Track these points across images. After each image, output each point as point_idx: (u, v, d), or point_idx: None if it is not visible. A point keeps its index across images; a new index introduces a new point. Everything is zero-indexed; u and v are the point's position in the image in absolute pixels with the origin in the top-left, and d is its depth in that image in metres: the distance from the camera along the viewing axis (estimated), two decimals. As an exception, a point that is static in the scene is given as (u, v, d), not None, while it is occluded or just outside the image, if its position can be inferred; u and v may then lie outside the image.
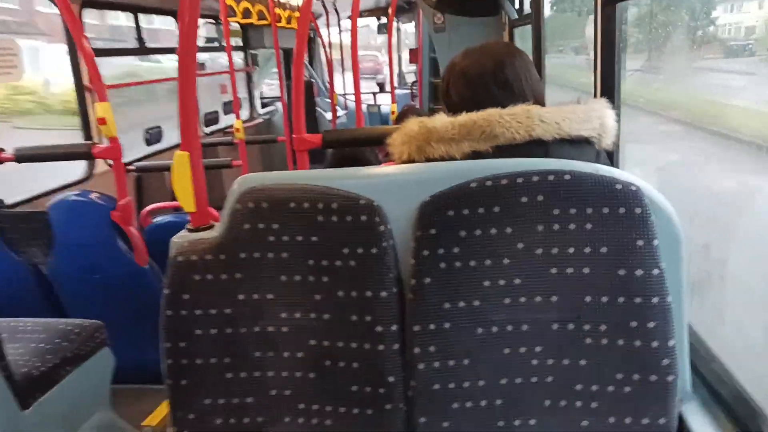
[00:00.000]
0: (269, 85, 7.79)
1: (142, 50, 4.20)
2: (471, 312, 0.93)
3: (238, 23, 5.25)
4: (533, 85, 1.18)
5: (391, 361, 0.96)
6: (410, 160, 1.10)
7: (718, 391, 1.01)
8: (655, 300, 0.89)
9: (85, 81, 3.29)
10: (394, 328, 0.96)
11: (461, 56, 1.21)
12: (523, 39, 3.62)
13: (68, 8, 2.10)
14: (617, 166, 1.63)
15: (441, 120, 1.08)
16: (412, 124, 1.10)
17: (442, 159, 1.06)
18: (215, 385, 1.03)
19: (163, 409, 2.19)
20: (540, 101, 1.18)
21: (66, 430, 1.71)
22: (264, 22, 4.99)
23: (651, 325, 0.89)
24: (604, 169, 0.93)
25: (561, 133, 1.05)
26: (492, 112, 1.05)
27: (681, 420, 0.95)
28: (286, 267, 0.99)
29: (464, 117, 1.06)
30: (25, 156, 2.28)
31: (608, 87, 1.72)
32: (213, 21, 5.44)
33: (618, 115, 1.16)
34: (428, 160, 1.08)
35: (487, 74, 1.16)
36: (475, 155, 1.05)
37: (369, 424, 0.99)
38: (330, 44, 6.46)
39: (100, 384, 1.87)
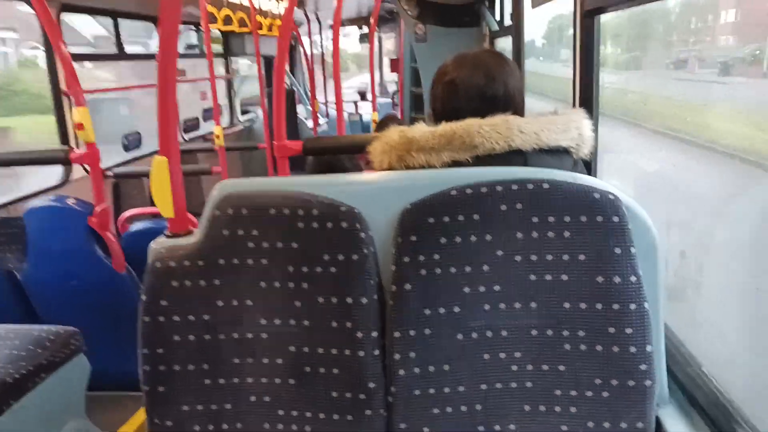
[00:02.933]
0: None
1: (122, 56, 4.15)
2: (451, 318, 0.94)
3: (219, 30, 5.23)
4: (517, 97, 1.20)
5: (371, 367, 0.96)
6: (390, 169, 1.10)
7: (694, 395, 1.03)
8: (632, 306, 0.91)
9: (63, 86, 3.24)
10: (374, 334, 0.96)
11: (453, 65, 1.20)
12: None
13: (46, 12, 2.07)
14: (594, 175, 1.66)
15: (421, 130, 1.08)
16: (393, 133, 1.10)
17: (422, 168, 1.07)
18: (193, 391, 1.02)
19: (139, 417, 2.15)
20: (520, 111, 1.19)
21: None
22: (245, 29, 4.98)
23: (629, 331, 0.91)
24: (582, 178, 0.95)
25: (540, 143, 1.06)
26: (471, 123, 1.06)
27: (658, 424, 0.97)
28: (266, 273, 0.98)
29: (444, 127, 1.06)
30: (0, 161, 2.24)
31: (587, 97, 1.75)
32: (194, 28, 5.41)
33: (595, 125, 1.18)
34: (408, 168, 1.08)
35: (475, 89, 1.15)
36: (455, 165, 1.06)
37: (349, 430, 0.98)
38: (312, 53, 6.47)
39: (75, 391, 1.83)
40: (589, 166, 1.32)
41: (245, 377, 1.01)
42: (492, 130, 1.04)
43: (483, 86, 1.15)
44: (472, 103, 1.14)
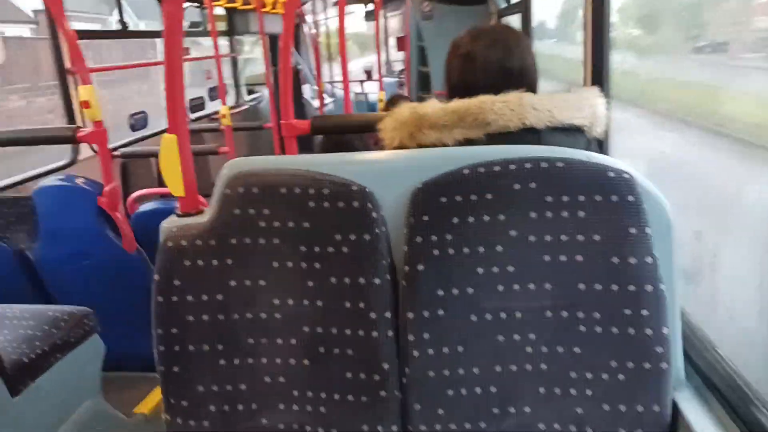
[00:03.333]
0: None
1: (126, 33, 4.11)
2: (464, 299, 0.94)
3: (223, 8, 5.17)
4: (531, 73, 1.18)
5: (385, 348, 0.97)
6: (401, 147, 1.09)
7: (711, 378, 1.02)
8: (648, 288, 0.90)
9: (67, 64, 3.22)
10: (387, 315, 0.96)
11: (469, 39, 1.18)
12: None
13: None
14: (608, 155, 1.64)
15: (433, 106, 1.07)
16: (404, 109, 1.09)
17: (434, 146, 1.06)
18: (208, 372, 1.03)
19: (154, 396, 2.18)
20: (534, 88, 1.18)
21: (56, 416, 1.69)
22: (249, 6, 4.92)
23: (644, 312, 0.90)
24: (596, 157, 0.94)
25: (553, 121, 1.05)
26: (485, 99, 1.04)
27: (675, 407, 0.96)
28: (278, 253, 0.98)
29: (457, 103, 1.05)
30: (6, 140, 2.23)
31: (598, 77, 1.73)
32: (198, 5, 5.35)
33: (608, 104, 1.17)
34: (420, 146, 1.07)
35: (493, 62, 1.14)
36: (468, 142, 1.05)
37: (363, 411, 0.99)
38: (317, 31, 6.39)
39: (91, 371, 1.85)
40: (602, 145, 1.31)
41: (260, 358, 1.02)
42: (505, 106, 1.03)
43: (501, 59, 1.14)
44: (490, 77, 1.13)
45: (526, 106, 1.03)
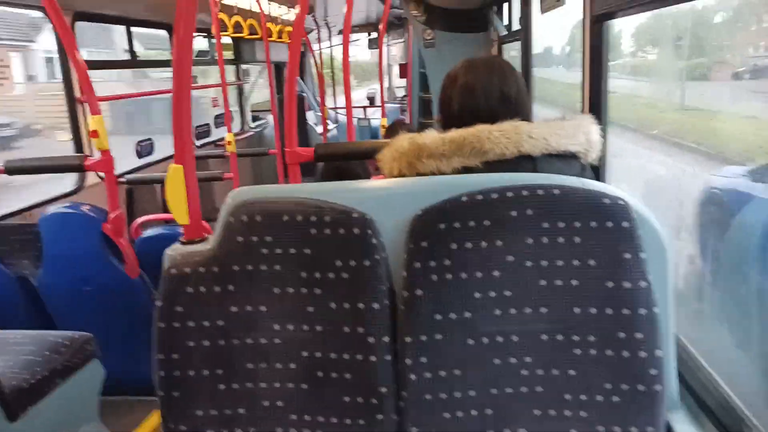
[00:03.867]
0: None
1: (136, 63, 4.20)
2: (462, 323, 0.95)
3: (230, 37, 5.28)
4: (526, 101, 1.21)
5: (383, 372, 0.97)
6: (401, 176, 1.11)
7: (705, 400, 1.02)
8: (642, 311, 0.91)
9: (77, 93, 3.29)
10: (386, 339, 0.97)
11: (463, 70, 1.22)
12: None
13: (61, 20, 2.11)
14: (603, 180, 1.66)
15: (431, 136, 1.10)
16: (402, 140, 1.12)
17: (432, 174, 1.08)
18: (207, 396, 1.03)
19: (152, 421, 2.17)
20: (529, 116, 1.20)
21: None
22: (255, 36, 5.03)
23: (639, 336, 0.91)
24: (591, 184, 0.95)
25: (549, 149, 1.07)
26: (482, 129, 1.07)
27: (669, 429, 0.97)
28: (279, 279, 1.00)
29: (454, 133, 1.08)
30: (15, 168, 2.27)
31: (596, 103, 1.76)
32: (204, 35, 5.47)
33: (604, 130, 1.19)
34: (418, 175, 1.09)
35: (493, 90, 1.18)
36: (465, 171, 1.07)
37: None
38: (321, 59, 6.50)
39: (90, 396, 1.85)
40: (596, 172, 1.33)
41: (259, 382, 1.02)
42: (501, 135, 1.05)
43: (500, 86, 1.18)
44: (491, 104, 1.17)
45: (522, 134, 1.05)
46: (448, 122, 1.21)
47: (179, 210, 1.10)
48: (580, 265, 0.92)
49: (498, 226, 0.94)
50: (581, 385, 0.94)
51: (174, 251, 1.07)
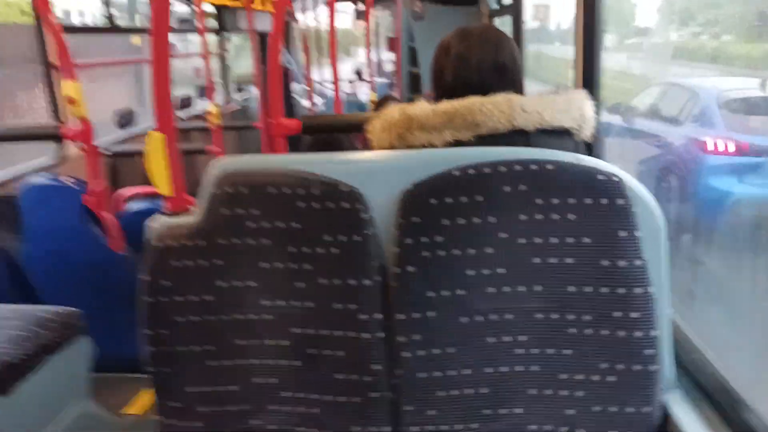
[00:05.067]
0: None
1: (113, 29, 4.07)
2: (455, 301, 0.93)
3: (213, 5, 5.13)
4: (520, 72, 1.18)
5: (376, 349, 0.96)
6: (390, 148, 1.09)
7: (701, 380, 1.03)
8: (638, 290, 0.90)
9: (52, 58, 3.18)
10: (378, 316, 0.96)
11: (457, 39, 1.18)
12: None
13: None
14: (599, 158, 1.65)
15: (422, 107, 1.07)
16: (393, 111, 1.09)
17: (423, 147, 1.06)
18: (198, 373, 1.02)
19: (143, 398, 2.16)
20: (520, 88, 1.18)
21: (45, 417, 1.68)
22: (238, 4, 4.90)
23: (634, 315, 0.91)
24: (586, 160, 0.94)
25: (543, 123, 1.05)
26: (474, 101, 1.04)
27: (665, 409, 0.97)
28: (267, 254, 0.98)
29: (446, 105, 1.05)
30: None
31: (589, 79, 1.74)
32: (187, 1, 5.31)
33: (598, 107, 1.17)
34: (409, 147, 1.07)
35: (487, 60, 1.14)
36: (457, 144, 1.05)
37: (354, 412, 0.99)
38: (307, 29, 6.37)
39: (79, 372, 1.83)
40: (590, 149, 1.31)
41: (250, 359, 1.01)
42: (494, 108, 1.03)
43: (494, 56, 1.14)
44: (485, 74, 1.13)
45: (515, 107, 1.03)
46: (440, 93, 1.18)
47: (161, 180, 1.07)
48: (575, 242, 0.91)
49: (491, 201, 0.92)
50: (577, 364, 0.94)
51: (157, 223, 1.04)
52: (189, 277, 0.99)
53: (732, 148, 2.44)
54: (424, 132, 1.05)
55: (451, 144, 1.05)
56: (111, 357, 2.11)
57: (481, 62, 1.14)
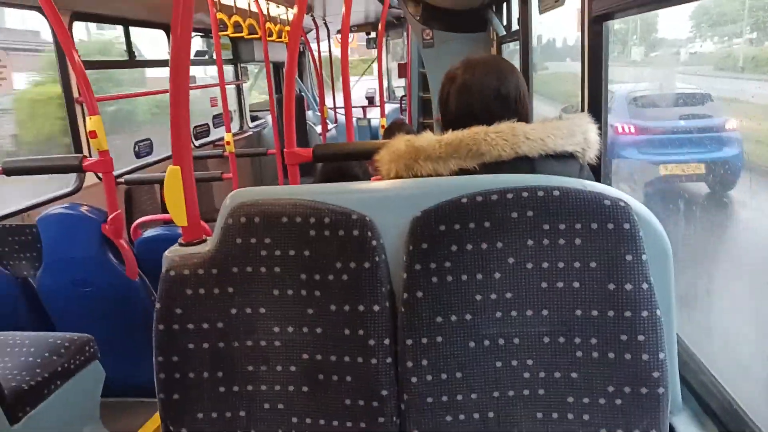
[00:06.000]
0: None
1: (134, 63, 4.19)
2: (463, 326, 0.94)
3: (229, 36, 5.27)
4: (525, 100, 1.21)
5: (383, 374, 0.97)
6: (398, 177, 1.11)
7: (708, 402, 1.02)
8: (644, 314, 0.91)
9: (75, 94, 3.28)
10: (386, 341, 0.97)
11: (462, 69, 1.21)
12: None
13: (58, 20, 2.10)
14: (603, 180, 1.66)
15: (427, 138, 1.09)
16: (399, 142, 1.11)
17: (430, 176, 1.07)
18: (208, 398, 1.03)
19: (152, 423, 2.17)
20: (527, 116, 1.20)
21: None
22: (254, 36, 5.02)
23: (641, 338, 0.91)
24: (592, 185, 0.95)
25: (546, 150, 1.06)
26: (478, 131, 1.06)
27: (672, 431, 0.96)
28: (279, 281, 0.99)
29: (450, 135, 1.07)
30: (13, 169, 2.27)
31: (596, 102, 1.75)
32: (203, 34, 5.46)
33: (604, 130, 1.19)
34: (415, 177, 1.09)
35: (490, 89, 1.17)
36: (462, 173, 1.06)
37: None
38: (320, 59, 6.49)
39: (90, 398, 1.85)
40: (597, 172, 1.33)
41: (259, 385, 1.02)
42: (498, 137, 1.05)
43: (497, 87, 1.17)
44: (487, 104, 1.16)
45: (519, 135, 1.05)
46: (446, 122, 1.20)
47: (177, 211, 1.10)
48: (582, 266, 0.92)
49: (498, 227, 0.93)
50: (584, 387, 0.94)
51: (173, 253, 1.06)
52: (201, 304, 1.01)
53: (633, 129, 3.68)
54: (430, 162, 1.07)
55: (456, 173, 1.07)
56: (123, 382, 2.13)
57: (484, 91, 1.17)
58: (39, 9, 2.93)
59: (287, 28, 5.60)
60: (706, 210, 2.62)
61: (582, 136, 1.10)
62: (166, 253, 1.07)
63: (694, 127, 3.31)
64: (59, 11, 2.10)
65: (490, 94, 1.17)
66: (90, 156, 2.35)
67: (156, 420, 2.16)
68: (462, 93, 1.19)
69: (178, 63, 1.08)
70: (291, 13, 5.71)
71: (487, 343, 0.95)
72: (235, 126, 5.96)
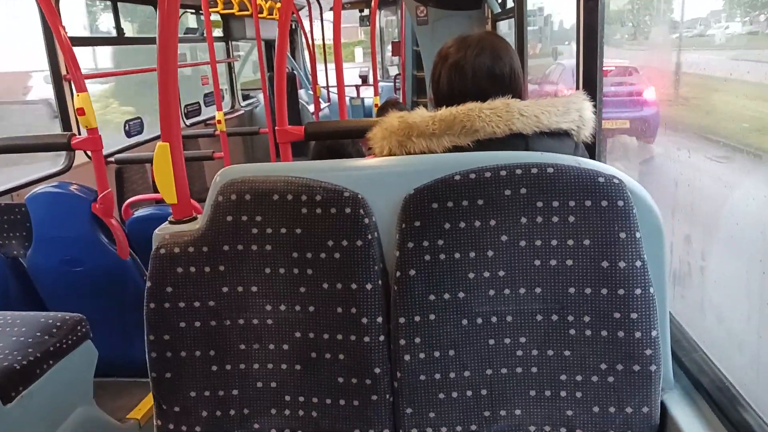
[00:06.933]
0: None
1: (122, 40, 4.12)
2: (456, 304, 0.94)
3: (219, 14, 5.18)
4: (520, 78, 1.19)
5: (376, 352, 0.97)
6: (391, 155, 1.10)
7: (700, 380, 1.03)
8: (637, 291, 0.91)
9: (63, 71, 3.23)
10: (379, 320, 0.97)
11: (455, 47, 1.19)
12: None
13: None
14: (598, 158, 1.65)
15: (421, 115, 1.08)
16: (392, 119, 1.10)
17: (423, 153, 1.06)
18: (200, 377, 1.03)
19: (146, 402, 2.18)
20: (522, 93, 1.19)
21: (49, 424, 1.69)
22: (245, 12, 4.94)
23: (634, 316, 0.91)
24: (586, 163, 0.94)
25: (540, 127, 1.05)
26: (472, 107, 1.05)
27: (664, 408, 0.97)
28: (270, 259, 0.99)
29: (444, 112, 1.06)
30: (0, 147, 2.23)
31: (590, 79, 1.74)
32: (193, 11, 5.36)
33: (598, 108, 1.17)
34: (408, 154, 1.08)
35: (483, 69, 1.15)
36: (456, 150, 1.05)
37: (355, 415, 0.99)
38: (312, 36, 6.41)
39: (83, 378, 1.85)
40: (591, 150, 1.32)
41: (252, 363, 1.02)
42: (492, 113, 1.04)
43: (491, 66, 1.15)
44: (480, 83, 1.14)
45: (513, 112, 1.04)
46: (438, 100, 1.19)
47: (167, 189, 1.09)
48: (575, 244, 0.92)
49: (491, 205, 0.93)
50: (576, 365, 0.94)
51: (163, 231, 1.05)
52: (192, 283, 1.01)
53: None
54: (423, 139, 1.06)
55: (450, 150, 1.06)
56: (116, 362, 2.13)
57: (477, 71, 1.15)
58: None
59: (279, 4, 5.51)
60: (635, 154, 3.69)
61: (577, 113, 1.09)
62: (156, 231, 1.06)
63: (622, 92, 4.17)
64: None
65: (483, 73, 1.15)
66: (79, 134, 2.32)
67: (149, 400, 2.17)
68: (454, 72, 1.16)
69: (166, 39, 1.06)
70: (283, -11, 5.61)
71: (479, 321, 0.95)
72: (226, 105, 5.90)
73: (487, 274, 0.94)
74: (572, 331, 0.94)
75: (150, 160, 3.08)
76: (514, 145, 1.03)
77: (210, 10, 3.86)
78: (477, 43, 1.17)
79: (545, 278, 0.93)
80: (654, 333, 0.92)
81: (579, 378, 0.94)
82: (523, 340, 0.95)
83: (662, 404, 0.97)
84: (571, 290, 0.93)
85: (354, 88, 7.81)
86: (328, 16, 7.53)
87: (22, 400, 1.57)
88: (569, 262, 0.92)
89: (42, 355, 1.67)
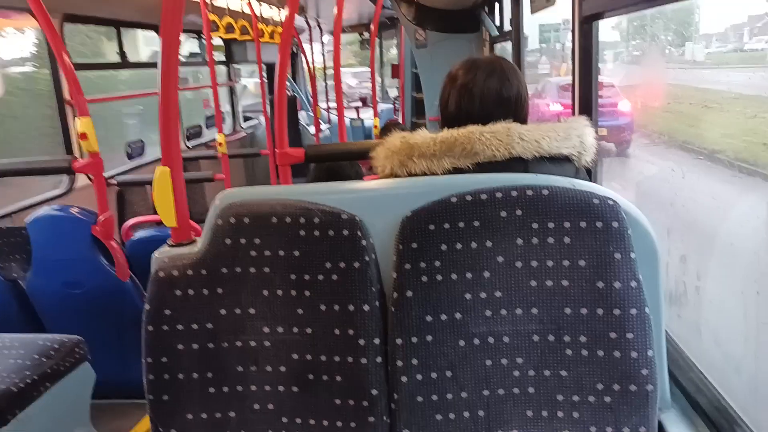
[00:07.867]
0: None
1: (124, 64, 4.17)
2: (453, 325, 0.94)
3: (221, 38, 5.26)
4: (525, 102, 1.20)
5: (374, 374, 0.97)
6: (392, 174, 1.11)
7: (697, 399, 1.02)
8: (633, 311, 0.91)
9: (66, 95, 3.27)
10: (376, 341, 0.97)
11: (464, 70, 1.20)
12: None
13: (49, 22, 2.09)
14: (596, 182, 1.66)
15: (423, 136, 1.09)
16: (395, 139, 1.11)
17: (423, 174, 1.07)
18: (197, 399, 1.02)
19: (143, 425, 2.16)
20: (525, 119, 1.20)
21: None
22: (247, 37, 5.01)
23: (630, 336, 0.91)
24: (581, 184, 0.95)
25: (541, 151, 1.06)
26: (473, 130, 1.06)
27: (661, 429, 0.97)
28: (268, 281, 0.99)
29: (446, 134, 1.07)
30: (2, 171, 2.25)
31: (587, 102, 1.76)
32: (196, 36, 5.44)
33: (595, 130, 1.18)
34: (410, 174, 1.09)
35: (491, 92, 1.16)
36: (456, 171, 1.06)
37: None
38: (313, 59, 6.49)
39: (80, 400, 1.83)
40: (591, 174, 1.32)
41: (249, 385, 1.02)
42: (493, 137, 1.05)
43: (499, 89, 1.16)
44: (488, 106, 1.15)
45: (514, 136, 1.05)
46: (445, 121, 1.20)
47: (166, 212, 1.09)
48: (570, 265, 0.92)
49: (488, 226, 0.93)
50: (573, 385, 0.94)
51: (161, 254, 1.06)
52: (191, 305, 1.01)
53: (560, 107, 6.16)
54: (424, 160, 1.07)
55: (450, 171, 1.07)
56: (113, 383, 2.12)
57: (485, 94, 1.16)
58: (29, 11, 2.92)
59: (280, 29, 5.60)
60: (614, 159, 4.41)
61: (578, 139, 1.10)
62: (155, 254, 1.06)
63: (601, 104, 4.67)
64: (50, 14, 2.09)
65: (491, 96, 1.16)
66: (81, 157, 2.34)
67: (146, 422, 2.15)
68: (462, 95, 1.18)
69: (168, 64, 1.07)
70: (284, 14, 5.70)
71: (477, 341, 0.95)
72: (228, 127, 5.95)
73: (483, 295, 0.94)
74: (569, 352, 0.94)
75: (149, 182, 3.10)
76: (514, 169, 1.04)
77: (212, 34, 3.92)
78: (486, 66, 1.19)
79: (541, 299, 0.93)
80: (650, 353, 0.91)
81: (576, 398, 0.94)
82: (519, 360, 0.95)
83: (659, 424, 0.97)
84: (567, 310, 0.93)
85: (354, 110, 7.88)
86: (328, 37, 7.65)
87: (18, 423, 1.56)
88: (565, 283, 0.93)
89: (39, 378, 1.66)
